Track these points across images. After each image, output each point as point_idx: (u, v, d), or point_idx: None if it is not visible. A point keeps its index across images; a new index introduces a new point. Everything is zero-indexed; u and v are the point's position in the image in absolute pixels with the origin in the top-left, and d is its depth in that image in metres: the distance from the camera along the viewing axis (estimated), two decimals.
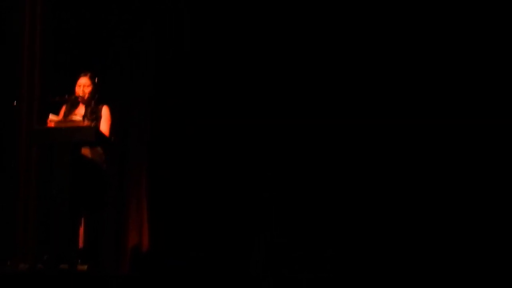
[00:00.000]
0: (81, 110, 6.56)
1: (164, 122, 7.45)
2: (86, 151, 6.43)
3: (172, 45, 7.52)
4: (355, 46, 7.04)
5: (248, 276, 6.47)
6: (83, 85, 6.55)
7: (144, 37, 7.62)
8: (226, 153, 7.24)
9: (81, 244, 6.28)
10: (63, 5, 7.58)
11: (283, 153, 7.14)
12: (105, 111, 6.53)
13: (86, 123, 6.32)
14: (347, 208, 6.88)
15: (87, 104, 6.55)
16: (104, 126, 6.47)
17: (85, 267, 6.02)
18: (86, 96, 6.54)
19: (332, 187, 6.95)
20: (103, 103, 6.57)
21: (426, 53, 6.87)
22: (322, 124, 7.02)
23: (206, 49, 7.39)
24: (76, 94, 6.53)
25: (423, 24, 6.90)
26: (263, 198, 7.02)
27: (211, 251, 6.96)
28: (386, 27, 6.99)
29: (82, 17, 7.60)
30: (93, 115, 6.47)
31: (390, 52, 6.97)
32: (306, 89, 7.15)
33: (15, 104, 6.97)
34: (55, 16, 7.57)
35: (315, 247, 6.79)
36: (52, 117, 6.37)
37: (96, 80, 6.58)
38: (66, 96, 6.53)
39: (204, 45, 7.41)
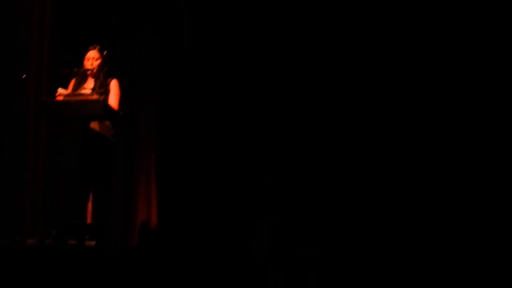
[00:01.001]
0: (90, 84, 6.51)
1: (175, 98, 7.44)
2: (94, 125, 6.37)
3: (173, 44, 7.52)
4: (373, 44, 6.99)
5: (252, 262, 6.44)
6: (92, 58, 6.49)
7: (144, 36, 7.61)
8: (232, 136, 7.24)
9: (88, 220, 6.25)
10: None
11: (287, 138, 7.12)
12: (114, 85, 6.47)
13: (95, 96, 6.27)
14: (351, 194, 6.84)
15: (96, 77, 6.50)
16: (113, 100, 6.42)
17: (93, 243, 5.99)
18: (95, 69, 6.48)
19: (338, 172, 6.92)
20: (113, 76, 6.51)
21: (427, 50, 6.80)
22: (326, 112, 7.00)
23: (206, 48, 7.40)
24: (85, 68, 6.48)
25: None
26: (267, 182, 7.02)
27: (215, 235, 6.97)
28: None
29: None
30: (102, 88, 6.42)
31: (385, 51, 6.91)
32: (306, 81, 7.13)
33: (24, 77, 6.92)
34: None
35: (320, 232, 6.77)
36: (61, 90, 6.33)
37: (104, 53, 6.52)
38: (75, 69, 6.48)
39: (204, 44, 7.41)
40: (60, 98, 6.28)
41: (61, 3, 7.55)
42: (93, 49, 6.51)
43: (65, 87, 6.47)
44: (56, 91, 6.33)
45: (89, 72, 6.49)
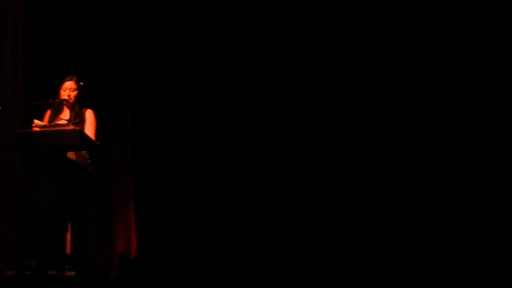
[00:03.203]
0: (65, 114, 6.54)
1: (148, 125, 7.44)
2: (71, 154, 6.40)
3: (152, 49, 7.53)
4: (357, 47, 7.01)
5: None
6: (69, 89, 6.52)
7: (123, 43, 7.64)
8: (209, 155, 7.25)
9: (68, 250, 6.24)
10: (46, 12, 7.60)
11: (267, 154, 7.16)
12: (89, 115, 6.52)
13: (71, 127, 6.29)
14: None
15: (71, 108, 6.52)
16: (89, 129, 6.46)
17: (73, 273, 5.97)
18: (72, 99, 6.50)
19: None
20: (87, 107, 6.54)
21: (432, 50, 6.83)
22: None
23: (186, 52, 7.42)
24: (61, 98, 6.49)
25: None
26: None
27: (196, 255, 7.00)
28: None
29: (63, 23, 7.64)
30: (77, 118, 6.45)
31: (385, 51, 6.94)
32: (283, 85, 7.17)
33: None
34: (38, 22, 7.55)
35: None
36: (37, 122, 6.34)
37: (81, 84, 6.55)
38: (51, 100, 6.50)
39: (184, 48, 7.43)
40: (36, 129, 6.30)
41: (32, 32, 7.56)
42: (70, 80, 6.54)
43: (41, 118, 6.49)
44: (32, 123, 6.34)
45: (65, 103, 6.51)
